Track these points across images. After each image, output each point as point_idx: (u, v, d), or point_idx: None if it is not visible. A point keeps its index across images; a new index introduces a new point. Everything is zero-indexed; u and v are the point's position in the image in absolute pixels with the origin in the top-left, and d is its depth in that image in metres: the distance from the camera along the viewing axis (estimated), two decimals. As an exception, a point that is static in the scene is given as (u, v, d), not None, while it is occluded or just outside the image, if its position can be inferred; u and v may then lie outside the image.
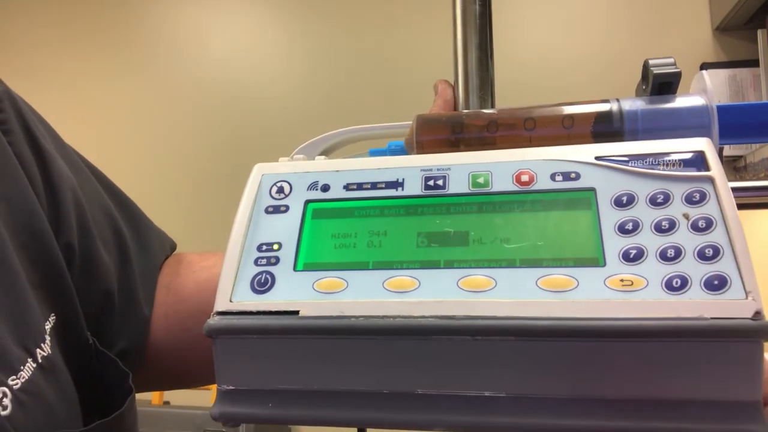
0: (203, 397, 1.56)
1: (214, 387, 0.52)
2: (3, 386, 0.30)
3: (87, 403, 0.37)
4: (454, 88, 0.45)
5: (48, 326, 0.35)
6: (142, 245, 0.46)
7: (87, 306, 0.39)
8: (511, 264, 0.25)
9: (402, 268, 0.27)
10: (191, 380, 0.50)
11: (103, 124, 1.91)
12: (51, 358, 0.34)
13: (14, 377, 0.30)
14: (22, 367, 0.31)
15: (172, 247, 0.50)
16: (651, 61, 0.30)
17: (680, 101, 0.29)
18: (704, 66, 1.55)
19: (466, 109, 0.44)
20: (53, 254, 0.37)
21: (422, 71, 1.58)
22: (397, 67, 1.75)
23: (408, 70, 1.72)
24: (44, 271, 0.36)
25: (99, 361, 0.39)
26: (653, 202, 0.26)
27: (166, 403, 1.60)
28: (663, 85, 0.29)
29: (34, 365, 0.32)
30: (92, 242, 0.40)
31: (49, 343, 0.34)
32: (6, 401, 0.29)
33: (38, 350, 0.33)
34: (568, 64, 1.65)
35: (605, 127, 0.30)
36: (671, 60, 0.29)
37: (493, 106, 0.44)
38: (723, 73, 1.54)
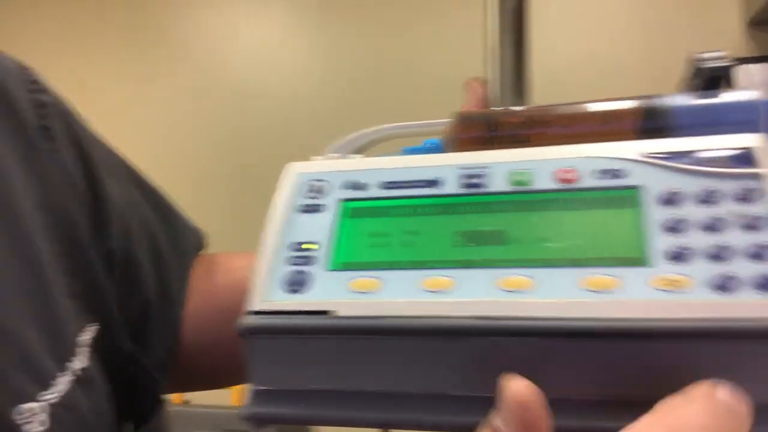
0: (224, 396, 1.57)
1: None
2: (38, 402, 0.29)
3: (121, 411, 0.37)
4: (487, 85, 0.44)
5: (86, 336, 0.35)
6: (175, 246, 0.46)
7: (126, 313, 0.39)
8: (551, 264, 0.25)
9: (438, 268, 0.26)
10: (218, 382, 0.50)
11: (129, 127, 1.94)
12: (87, 370, 0.33)
13: (50, 392, 0.30)
14: (58, 381, 0.31)
15: (204, 243, 0.50)
16: (698, 55, 0.29)
17: (730, 96, 0.28)
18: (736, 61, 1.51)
19: (499, 107, 0.43)
20: (93, 263, 0.36)
21: (452, 69, 1.57)
22: (425, 65, 1.74)
23: (437, 68, 1.71)
24: (84, 280, 0.36)
25: (135, 368, 0.39)
26: (701, 200, 0.25)
27: (186, 402, 1.61)
28: (711, 79, 0.28)
29: (70, 378, 0.32)
30: (132, 249, 0.40)
31: (86, 355, 0.34)
32: (44, 416, 0.29)
33: (74, 363, 0.33)
34: (599, 59, 1.63)
35: (650, 124, 0.29)
36: (720, 53, 0.28)
37: (528, 104, 0.43)
38: (756, 68, 1.51)
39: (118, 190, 0.41)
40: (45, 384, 0.30)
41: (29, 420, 0.28)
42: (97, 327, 0.36)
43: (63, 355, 0.32)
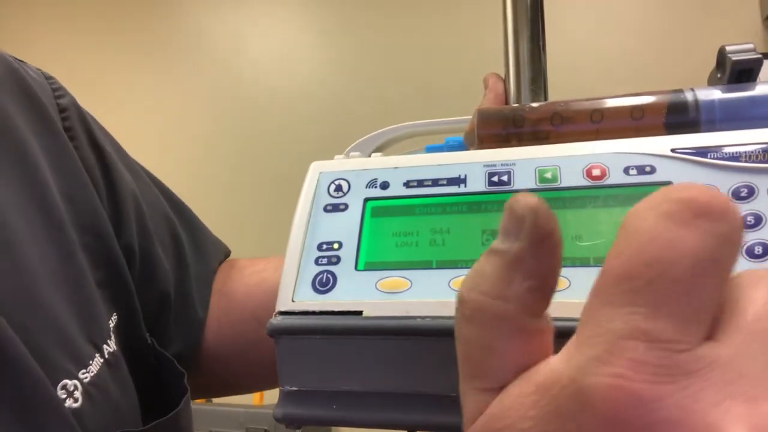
0: (246, 396, 1.57)
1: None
2: (74, 379, 0.31)
3: (146, 403, 0.37)
4: (505, 81, 0.44)
5: (111, 324, 0.36)
6: (198, 250, 0.47)
7: (145, 307, 0.40)
8: (585, 263, 0.24)
9: (468, 267, 0.26)
10: (240, 386, 0.50)
11: (139, 130, 1.95)
12: (116, 354, 0.35)
13: (84, 371, 0.32)
14: (90, 362, 0.32)
15: (227, 253, 0.51)
16: (728, 48, 0.28)
17: (761, 89, 0.28)
18: (754, 56, 1.50)
19: (517, 103, 0.42)
20: (115, 254, 0.38)
21: (467, 66, 1.57)
22: (440, 63, 1.73)
23: (452, 66, 1.70)
24: (107, 270, 0.37)
25: (157, 360, 0.39)
26: (737, 196, 0.24)
27: (209, 400, 1.62)
28: (742, 72, 0.28)
29: (101, 360, 0.33)
30: (151, 245, 0.42)
31: (114, 340, 0.35)
32: (77, 394, 0.31)
33: (105, 346, 0.34)
34: (615, 54, 1.62)
35: (679, 118, 0.29)
36: (750, 46, 0.28)
37: (545, 100, 0.43)
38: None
39: (133, 189, 0.42)
40: (81, 364, 0.32)
41: (67, 397, 0.30)
42: (120, 316, 0.37)
43: (96, 338, 0.34)
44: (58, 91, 0.41)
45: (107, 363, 0.33)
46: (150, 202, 0.44)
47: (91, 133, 0.41)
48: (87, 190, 0.37)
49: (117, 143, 0.45)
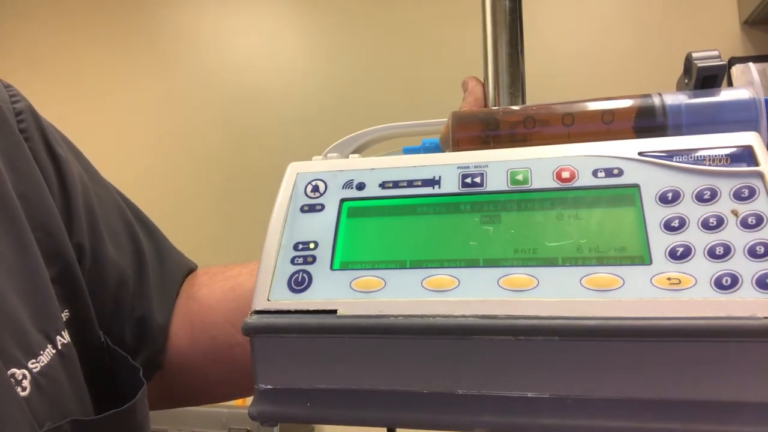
0: (228, 396, 1.57)
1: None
2: (23, 368, 0.31)
3: (100, 399, 0.38)
4: (484, 84, 0.44)
5: (62, 320, 0.36)
6: (160, 257, 0.47)
7: (98, 305, 0.40)
8: (553, 263, 0.25)
9: (440, 267, 0.26)
10: (216, 394, 0.50)
11: (121, 127, 1.93)
12: (69, 345, 0.35)
13: (34, 360, 0.32)
14: (41, 352, 0.33)
15: (193, 267, 0.51)
16: (694, 54, 0.29)
17: (725, 95, 0.29)
18: (733, 60, 1.52)
19: (496, 106, 0.43)
20: (67, 252, 0.38)
21: (448, 69, 1.58)
22: (421, 65, 1.74)
23: (433, 68, 1.71)
24: (58, 267, 0.38)
25: (111, 358, 0.40)
26: (700, 198, 0.25)
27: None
28: (707, 78, 0.29)
29: (54, 351, 0.34)
30: (102, 245, 0.42)
31: (65, 334, 0.36)
32: (25, 383, 0.31)
33: (58, 337, 0.35)
34: (596, 58, 1.64)
35: (647, 122, 0.29)
36: (716, 53, 0.29)
37: (524, 103, 0.44)
38: (751, 67, 1.50)
39: (86, 190, 0.43)
40: (31, 353, 0.32)
41: (15, 385, 0.30)
42: (72, 313, 0.38)
43: (48, 328, 0.34)
44: (15, 97, 0.42)
45: (60, 354, 0.34)
46: (107, 204, 0.44)
47: (45, 136, 0.42)
48: (40, 188, 0.38)
49: (77, 149, 0.45)
